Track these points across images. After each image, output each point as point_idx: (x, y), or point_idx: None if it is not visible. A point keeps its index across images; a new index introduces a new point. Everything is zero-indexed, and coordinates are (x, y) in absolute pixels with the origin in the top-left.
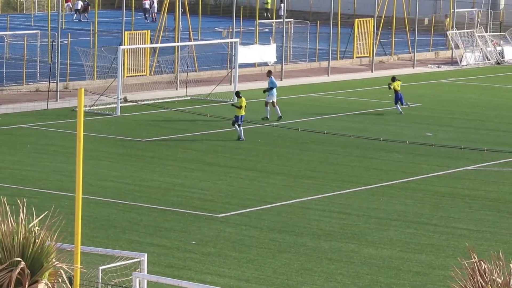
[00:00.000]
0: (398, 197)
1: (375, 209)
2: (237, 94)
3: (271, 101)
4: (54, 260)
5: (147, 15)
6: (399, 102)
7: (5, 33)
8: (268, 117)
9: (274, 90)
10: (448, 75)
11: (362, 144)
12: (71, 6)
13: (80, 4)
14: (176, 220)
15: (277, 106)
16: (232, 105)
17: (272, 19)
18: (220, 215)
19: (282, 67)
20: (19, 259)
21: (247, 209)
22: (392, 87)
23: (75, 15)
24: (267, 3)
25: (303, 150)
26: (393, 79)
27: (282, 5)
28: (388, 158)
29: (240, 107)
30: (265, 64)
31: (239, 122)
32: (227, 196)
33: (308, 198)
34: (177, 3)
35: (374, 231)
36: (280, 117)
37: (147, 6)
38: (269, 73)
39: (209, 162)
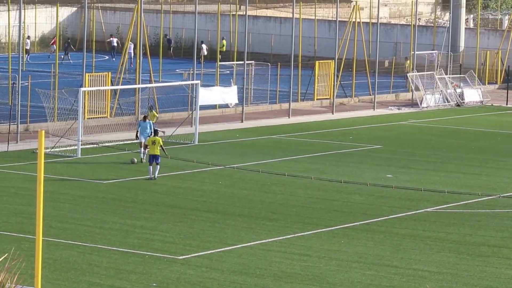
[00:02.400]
0: (359, 239)
1: (336, 251)
2: (155, 132)
3: (143, 141)
4: None
5: (114, 53)
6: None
7: None
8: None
9: (146, 132)
10: (408, 117)
11: (323, 186)
12: (55, 48)
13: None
14: (136, 262)
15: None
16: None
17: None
18: (181, 257)
19: (243, 108)
20: None
21: (208, 251)
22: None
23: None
24: (223, 46)
25: (264, 192)
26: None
27: (203, 45)
28: (349, 200)
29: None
30: (226, 106)
31: (157, 161)
32: (188, 238)
33: (269, 240)
34: (139, 45)
35: (335, 273)
36: (142, 159)
37: (114, 44)
38: (145, 118)
39: (169, 204)
